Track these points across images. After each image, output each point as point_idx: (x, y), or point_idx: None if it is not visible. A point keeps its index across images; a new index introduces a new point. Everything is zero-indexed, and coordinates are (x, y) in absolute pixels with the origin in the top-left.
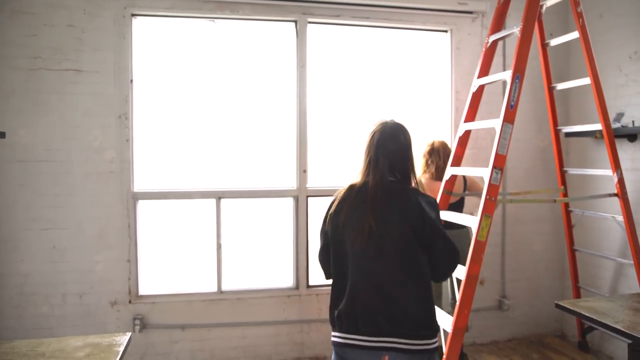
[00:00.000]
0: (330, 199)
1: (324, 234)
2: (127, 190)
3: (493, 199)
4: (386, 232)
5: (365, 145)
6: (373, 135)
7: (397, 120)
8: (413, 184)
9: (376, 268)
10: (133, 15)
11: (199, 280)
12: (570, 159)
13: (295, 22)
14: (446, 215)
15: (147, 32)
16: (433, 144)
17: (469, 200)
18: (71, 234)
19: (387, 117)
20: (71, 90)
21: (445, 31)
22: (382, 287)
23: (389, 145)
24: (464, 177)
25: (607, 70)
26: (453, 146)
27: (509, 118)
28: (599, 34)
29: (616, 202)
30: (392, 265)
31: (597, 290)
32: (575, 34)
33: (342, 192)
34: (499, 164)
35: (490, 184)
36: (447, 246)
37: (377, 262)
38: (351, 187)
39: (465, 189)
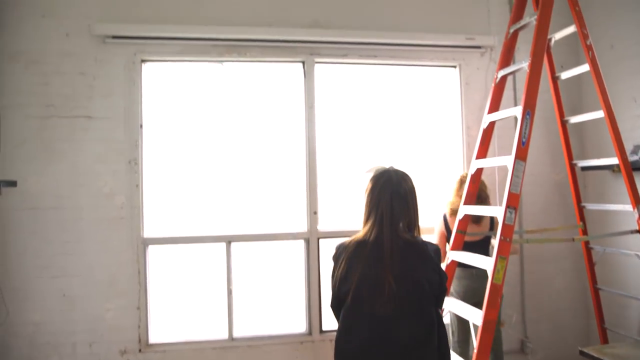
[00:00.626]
0: (339, 242)
1: (336, 296)
2: (137, 235)
3: (508, 239)
4: (406, 290)
5: (368, 195)
6: (376, 185)
7: (397, 167)
8: (416, 232)
9: (398, 330)
10: (143, 61)
11: (209, 327)
12: (588, 192)
13: (303, 62)
14: (460, 256)
15: (156, 76)
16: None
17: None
18: (81, 282)
19: (386, 164)
20: (82, 137)
21: (454, 66)
22: (404, 347)
23: (397, 195)
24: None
25: (621, 102)
26: (465, 184)
27: (521, 155)
28: (611, 65)
29: (639, 238)
30: (413, 326)
31: (625, 332)
32: (585, 67)
33: (350, 249)
34: (513, 203)
35: (504, 224)
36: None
37: (398, 324)
38: (361, 244)
39: (492, 226)
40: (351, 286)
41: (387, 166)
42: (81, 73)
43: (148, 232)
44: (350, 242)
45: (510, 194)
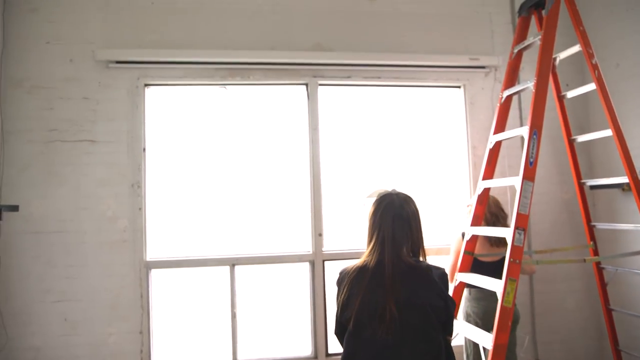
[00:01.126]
0: (343, 268)
1: (339, 322)
2: (139, 259)
3: (517, 261)
4: (408, 316)
5: (370, 219)
6: (378, 209)
7: (399, 190)
8: (422, 256)
9: (401, 357)
10: (146, 85)
11: (213, 352)
12: (597, 211)
13: (306, 84)
14: (468, 278)
15: (159, 100)
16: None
17: None
18: (83, 306)
19: (389, 187)
20: (85, 161)
21: (459, 87)
22: None
23: (399, 219)
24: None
25: (629, 119)
26: (472, 204)
27: (529, 175)
28: (617, 83)
29: None
30: (417, 353)
31: (639, 354)
32: (592, 86)
33: (351, 274)
34: (522, 224)
35: (513, 246)
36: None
37: (400, 351)
38: (362, 269)
39: None
40: (352, 312)
41: (389, 189)
42: (85, 98)
43: (151, 256)
44: (353, 267)
45: (518, 214)
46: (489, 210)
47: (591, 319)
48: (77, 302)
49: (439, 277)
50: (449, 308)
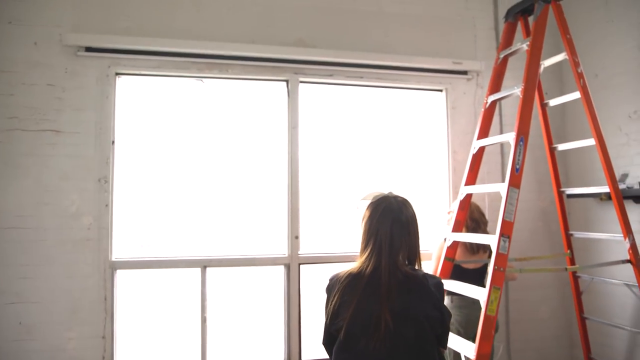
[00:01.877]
0: (328, 266)
1: (328, 332)
2: (104, 259)
3: (502, 269)
4: (403, 327)
5: (366, 223)
6: (375, 212)
7: (397, 193)
8: (418, 264)
9: None
10: (117, 74)
11: (181, 357)
12: (572, 220)
13: (287, 81)
14: (451, 285)
15: (130, 91)
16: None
17: None
18: (41, 309)
19: (385, 190)
20: (48, 152)
21: (441, 90)
22: None
23: (398, 223)
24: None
25: (606, 130)
26: (454, 209)
27: (514, 182)
28: (595, 93)
29: (627, 267)
30: None
31: None
32: (576, 95)
33: (343, 281)
34: (507, 232)
35: (498, 253)
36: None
37: None
38: (357, 275)
39: (490, 254)
40: (344, 322)
41: (385, 192)
42: (50, 85)
43: (117, 255)
44: (344, 273)
45: (504, 221)
46: (471, 216)
47: (563, 326)
48: (33, 305)
49: (435, 286)
50: (445, 320)
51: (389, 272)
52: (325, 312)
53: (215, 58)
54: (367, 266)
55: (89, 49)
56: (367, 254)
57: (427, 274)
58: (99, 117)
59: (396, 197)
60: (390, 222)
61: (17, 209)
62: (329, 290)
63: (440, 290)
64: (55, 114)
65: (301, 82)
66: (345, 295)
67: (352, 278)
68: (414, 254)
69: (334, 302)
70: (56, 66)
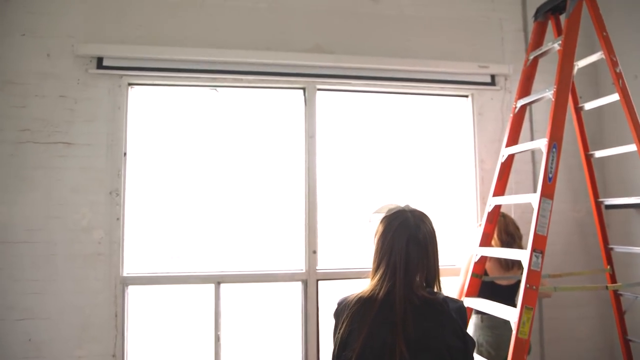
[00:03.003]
0: (347, 282)
1: None
2: (115, 274)
3: (535, 287)
4: (417, 353)
5: (379, 240)
6: (389, 228)
7: (414, 207)
8: (437, 286)
9: None
10: (130, 84)
11: None
12: (611, 233)
13: (304, 89)
14: (478, 304)
15: (143, 101)
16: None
17: None
18: (50, 325)
19: (400, 202)
20: (59, 165)
21: (466, 96)
22: None
23: (415, 242)
24: None
25: None
26: (482, 222)
27: (547, 193)
28: (635, 96)
29: None
30: None
31: None
32: (614, 97)
33: (353, 306)
34: (540, 247)
35: (530, 270)
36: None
37: None
38: (368, 300)
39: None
40: (353, 353)
41: (401, 205)
42: (61, 96)
43: (128, 271)
44: (354, 297)
45: (536, 235)
46: (506, 229)
47: (604, 349)
48: (43, 321)
49: (456, 311)
50: (469, 350)
51: (404, 296)
52: (334, 341)
53: (230, 65)
54: (380, 290)
55: (101, 62)
56: (379, 275)
57: (447, 297)
58: (110, 129)
59: (413, 212)
60: (406, 240)
61: (26, 223)
62: (337, 316)
63: (463, 316)
64: (66, 125)
65: (318, 89)
66: (355, 322)
67: (363, 303)
68: (432, 276)
69: (342, 330)
70: (68, 77)
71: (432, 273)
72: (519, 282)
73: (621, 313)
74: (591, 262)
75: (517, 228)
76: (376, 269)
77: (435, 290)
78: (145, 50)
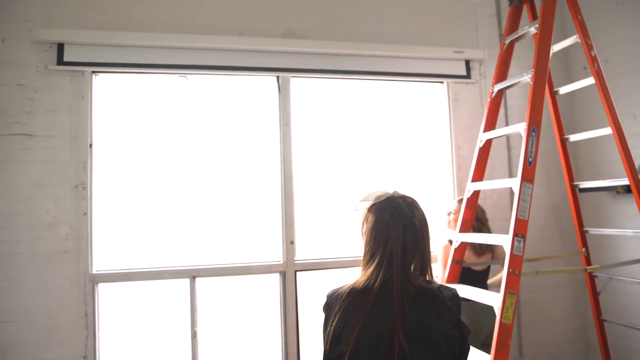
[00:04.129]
0: (325, 272)
1: (328, 359)
2: (84, 272)
3: (517, 272)
4: (418, 350)
5: (371, 229)
6: (383, 216)
7: (403, 192)
8: (429, 274)
9: None
10: (94, 72)
11: None
12: (584, 216)
13: (277, 76)
14: (461, 291)
15: (108, 90)
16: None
17: None
18: (16, 328)
19: (388, 189)
20: (20, 158)
21: (441, 82)
22: None
23: (411, 229)
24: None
25: (620, 118)
26: (461, 209)
27: (528, 177)
28: (607, 80)
29: None
30: None
31: None
32: (590, 80)
33: (346, 298)
34: (521, 231)
35: (512, 255)
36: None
37: None
38: (362, 291)
39: (493, 254)
40: (347, 347)
41: (389, 191)
42: (20, 85)
43: (98, 268)
44: (346, 288)
45: (517, 220)
46: (476, 216)
47: (579, 330)
48: (8, 324)
49: (451, 299)
50: (463, 338)
51: (401, 286)
52: (324, 335)
53: (200, 51)
54: (376, 280)
55: (62, 44)
56: (374, 265)
57: (441, 285)
58: (74, 119)
59: (404, 198)
60: (402, 227)
61: None
62: (328, 309)
63: (457, 304)
64: (26, 116)
65: (292, 77)
66: (349, 315)
67: (357, 294)
68: (426, 263)
69: (334, 324)
70: (27, 64)
71: (425, 261)
72: (489, 267)
73: (596, 294)
74: (565, 246)
75: (483, 211)
76: (370, 259)
77: (428, 278)
78: (110, 36)
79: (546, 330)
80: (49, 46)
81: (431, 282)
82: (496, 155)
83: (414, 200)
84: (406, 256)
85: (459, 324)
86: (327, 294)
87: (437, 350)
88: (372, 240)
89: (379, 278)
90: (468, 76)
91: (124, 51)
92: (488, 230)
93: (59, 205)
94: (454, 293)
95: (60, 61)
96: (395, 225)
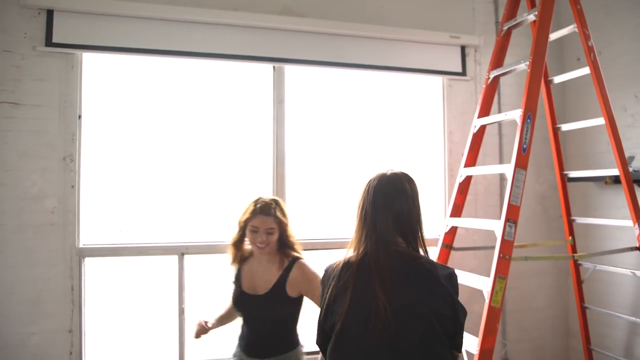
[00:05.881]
0: (330, 263)
1: (322, 331)
2: (71, 245)
3: (507, 257)
4: (408, 325)
5: (358, 203)
6: (367, 190)
7: (398, 169)
8: (422, 250)
9: None
10: (83, 48)
11: (157, 352)
12: (572, 205)
13: (274, 66)
14: None
15: (99, 60)
16: None
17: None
18: None
19: (385, 168)
20: (5, 127)
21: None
22: None
23: (390, 199)
24: None
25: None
26: (453, 194)
27: (521, 163)
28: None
29: (632, 255)
30: None
31: (611, 353)
32: (585, 70)
33: (337, 272)
34: (513, 217)
35: (503, 240)
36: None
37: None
38: (347, 263)
39: None
40: (338, 317)
41: (386, 170)
42: (6, 51)
43: (85, 242)
44: (339, 262)
45: (510, 205)
46: None
47: (561, 316)
48: None
49: (446, 278)
50: (459, 318)
51: (385, 256)
52: (320, 308)
53: (194, 25)
54: (360, 251)
55: (51, 10)
56: (358, 238)
57: (437, 263)
58: (63, 89)
59: (394, 173)
60: (382, 198)
61: None
62: (323, 283)
63: (453, 283)
64: (13, 84)
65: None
66: (339, 287)
67: (345, 266)
68: (414, 236)
69: (327, 297)
70: (14, 30)
71: (413, 232)
72: None
73: (579, 282)
74: (552, 234)
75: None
76: (356, 232)
77: (421, 252)
78: (101, 4)
79: (529, 317)
80: (37, 12)
81: (420, 255)
82: (488, 142)
83: (403, 174)
84: (389, 228)
85: (453, 304)
86: (325, 268)
87: (428, 327)
88: (358, 214)
89: (362, 249)
90: (464, 71)
91: (115, 23)
92: None
93: (46, 176)
94: (450, 272)
95: (48, 39)
96: (377, 197)
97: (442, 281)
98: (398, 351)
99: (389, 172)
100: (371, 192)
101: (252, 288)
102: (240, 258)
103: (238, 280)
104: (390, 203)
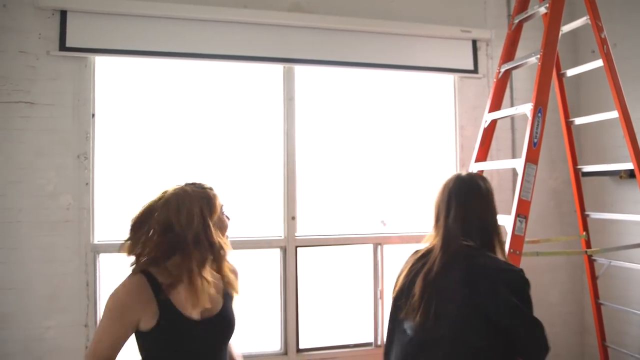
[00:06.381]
0: (326, 249)
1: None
2: (86, 242)
3: (518, 252)
4: (445, 308)
5: (435, 203)
6: (444, 189)
7: (473, 171)
8: (498, 247)
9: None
10: (96, 52)
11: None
12: (585, 200)
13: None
14: None
15: (112, 60)
16: None
17: None
18: (16, 295)
19: (462, 171)
20: (21, 126)
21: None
22: None
23: (462, 200)
24: None
25: (627, 103)
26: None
27: (532, 158)
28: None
29: None
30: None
31: (627, 350)
32: (598, 62)
33: (409, 257)
34: (523, 212)
35: (514, 235)
36: (531, 335)
37: (430, 349)
38: (415, 253)
39: None
40: (394, 293)
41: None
42: (22, 51)
43: (99, 238)
44: (414, 251)
45: (520, 200)
46: None
47: (575, 312)
48: (8, 292)
49: (507, 281)
50: (501, 311)
51: (442, 247)
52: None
53: (205, 23)
54: (428, 245)
55: (65, 12)
56: (433, 233)
57: (500, 262)
58: (77, 88)
59: (470, 173)
60: (456, 198)
61: None
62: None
63: (520, 288)
64: (28, 84)
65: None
66: (402, 269)
67: (412, 256)
68: (488, 236)
69: (399, 274)
70: (29, 31)
71: (488, 232)
72: None
73: (594, 278)
74: (565, 230)
75: None
76: (432, 228)
77: (497, 249)
78: (113, 3)
79: (543, 312)
80: (51, 13)
81: (483, 251)
82: (500, 137)
83: (475, 175)
84: (456, 222)
85: (519, 315)
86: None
87: (465, 314)
88: (435, 213)
89: (430, 242)
90: (475, 68)
91: (127, 24)
92: None
93: (61, 174)
94: (518, 276)
95: (62, 42)
96: (452, 194)
97: (498, 280)
98: (430, 330)
99: (463, 173)
100: (446, 193)
101: None
102: None
103: None
104: (463, 203)
